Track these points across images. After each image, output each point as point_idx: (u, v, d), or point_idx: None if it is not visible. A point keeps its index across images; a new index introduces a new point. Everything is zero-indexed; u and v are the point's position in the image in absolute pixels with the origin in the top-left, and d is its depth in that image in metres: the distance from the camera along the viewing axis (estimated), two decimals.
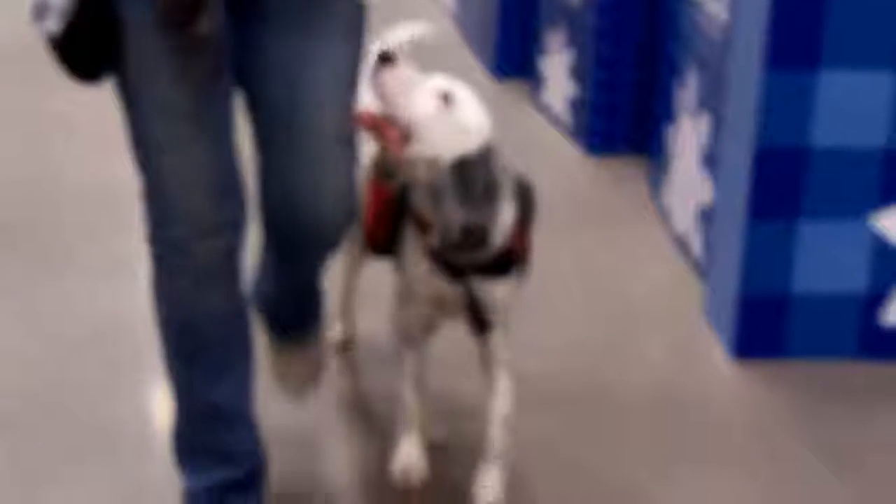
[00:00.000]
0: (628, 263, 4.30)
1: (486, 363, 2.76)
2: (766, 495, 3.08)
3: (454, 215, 2.48)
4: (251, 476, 2.70)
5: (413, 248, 2.69)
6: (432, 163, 2.48)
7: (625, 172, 4.98)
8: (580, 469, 3.04)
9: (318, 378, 3.03)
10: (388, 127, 2.49)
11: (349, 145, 2.54)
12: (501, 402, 2.78)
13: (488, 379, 2.77)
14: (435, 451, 3.00)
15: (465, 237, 2.51)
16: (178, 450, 2.69)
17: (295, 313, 2.87)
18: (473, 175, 2.48)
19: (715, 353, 3.69)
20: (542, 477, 2.97)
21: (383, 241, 2.78)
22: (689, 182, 4.24)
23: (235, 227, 2.53)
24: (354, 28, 2.52)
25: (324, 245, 2.64)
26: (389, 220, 2.75)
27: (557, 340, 3.76)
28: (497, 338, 2.74)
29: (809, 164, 3.48)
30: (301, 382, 3.00)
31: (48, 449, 3.10)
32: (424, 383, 3.01)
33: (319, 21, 2.45)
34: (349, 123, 2.53)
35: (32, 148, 5.02)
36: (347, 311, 3.43)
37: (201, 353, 2.61)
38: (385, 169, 2.67)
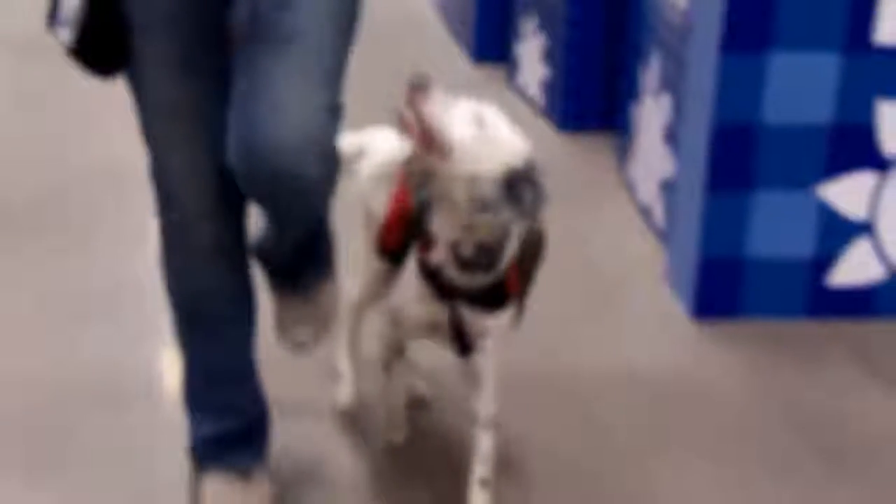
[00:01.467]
0: (596, 232, 4.27)
1: (469, 381, 2.64)
2: (726, 452, 3.08)
3: (509, 224, 2.40)
4: (253, 427, 2.70)
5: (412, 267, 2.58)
6: (472, 180, 2.35)
7: (594, 148, 4.95)
8: (544, 437, 3.02)
9: (323, 333, 2.83)
10: (431, 137, 2.35)
11: (326, 96, 2.30)
12: (488, 404, 2.62)
13: (473, 394, 2.63)
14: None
15: (477, 254, 2.43)
16: (186, 403, 2.69)
17: (290, 263, 2.68)
18: (523, 187, 2.36)
19: (676, 314, 3.69)
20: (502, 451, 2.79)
21: (394, 248, 2.65)
22: (652, 157, 4.23)
23: (237, 212, 2.50)
24: None
25: (296, 201, 2.37)
26: (404, 230, 2.61)
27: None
28: (481, 362, 2.60)
29: (761, 139, 3.49)
30: (302, 336, 2.81)
31: (62, 413, 3.09)
32: (413, 369, 2.96)
33: None
34: (329, 77, 2.31)
35: (40, 130, 4.95)
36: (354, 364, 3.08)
37: (204, 321, 2.60)
38: (415, 178, 2.57)
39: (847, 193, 3.58)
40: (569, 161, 4.89)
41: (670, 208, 3.98)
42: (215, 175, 2.41)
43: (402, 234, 2.61)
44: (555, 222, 4.16)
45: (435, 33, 6.40)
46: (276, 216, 2.49)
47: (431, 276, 2.50)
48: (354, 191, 2.70)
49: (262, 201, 2.39)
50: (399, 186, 2.63)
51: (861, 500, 2.92)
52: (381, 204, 2.68)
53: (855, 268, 3.65)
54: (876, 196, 3.58)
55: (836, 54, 3.42)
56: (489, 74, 5.76)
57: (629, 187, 4.54)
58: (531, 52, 5.39)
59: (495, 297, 2.52)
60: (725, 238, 3.60)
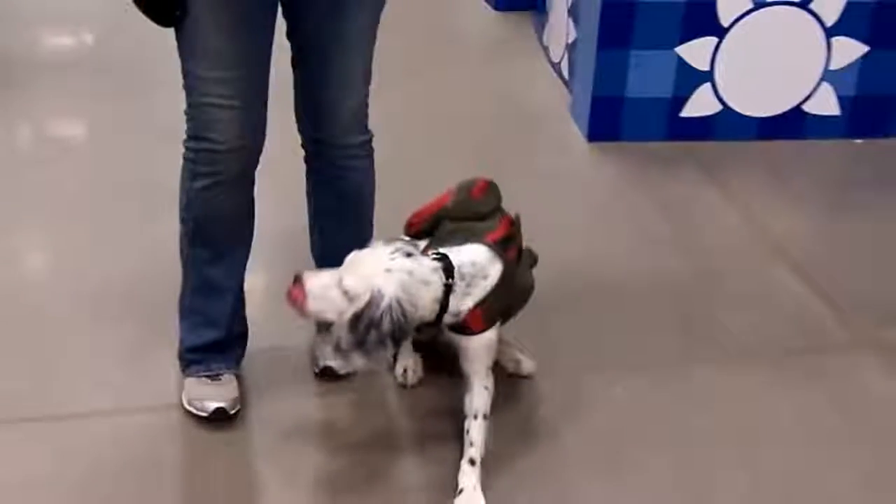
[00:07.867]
0: (520, 81, 4.54)
1: (461, 370, 2.41)
2: (619, 230, 3.35)
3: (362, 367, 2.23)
4: (231, 339, 2.61)
5: None
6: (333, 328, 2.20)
7: (520, 22, 5.13)
8: None
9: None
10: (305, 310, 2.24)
11: (366, 89, 2.45)
12: (477, 402, 2.38)
13: (465, 394, 2.40)
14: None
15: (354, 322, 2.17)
16: (180, 313, 2.61)
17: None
18: (365, 330, 2.14)
19: (576, 138, 4.00)
20: None
21: (415, 229, 2.50)
22: (560, 27, 4.45)
23: (255, 151, 2.41)
24: None
25: (348, 163, 2.48)
26: (428, 220, 2.48)
27: (458, 133, 3.93)
28: (467, 367, 2.38)
29: (637, 12, 3.76)
30: (333, 363, 2.57)
31: (124, 211, 3.26)
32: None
33: None
34: (366, 60, 2.42)
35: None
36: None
37: (211, 240, 2.50)
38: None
39: (695, 52, 3.88)
40: (502, 32, 5.12)
41: (572, 63, 4.24)
42: (248, 113, 2.33)
43: (425, 224, 2.49)
44: (488, 76, 4.46)
45: None
46: (336, 191, 2.52)
47: None
48: None
49: (328, 167, 2.50)
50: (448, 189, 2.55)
51: (691, 249, 3.28)
52: None
53: (700, 104, 3.96)
54: (715, 54, 3.90)
55: None
56: None
57: (545, 50, 4.79)
58: None
59: (462, 329, 2.33)
60: (611, 83, 3.87)
